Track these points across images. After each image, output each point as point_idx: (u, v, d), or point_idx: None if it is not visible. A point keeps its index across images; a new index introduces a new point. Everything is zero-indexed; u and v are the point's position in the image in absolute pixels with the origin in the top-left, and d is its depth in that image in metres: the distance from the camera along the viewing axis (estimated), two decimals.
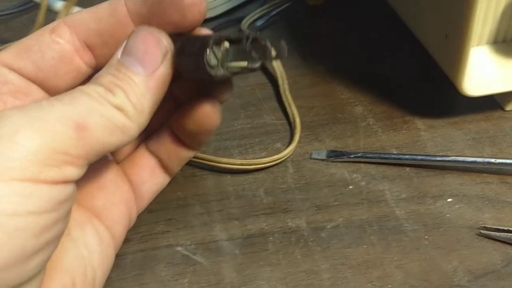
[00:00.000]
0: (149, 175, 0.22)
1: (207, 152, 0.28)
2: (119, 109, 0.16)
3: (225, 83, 0.21)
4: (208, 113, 0.21)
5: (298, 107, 0.31)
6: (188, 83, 0.22)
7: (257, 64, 0.18)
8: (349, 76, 0.33)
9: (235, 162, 0.27)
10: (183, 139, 0.22)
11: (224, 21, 0.40)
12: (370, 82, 0.32)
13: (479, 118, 0.29)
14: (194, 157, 0.27)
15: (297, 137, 0.29)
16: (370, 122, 0.29)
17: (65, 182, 0.15)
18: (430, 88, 0.31)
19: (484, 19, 0.26)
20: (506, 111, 0.29)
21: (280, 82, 0.33)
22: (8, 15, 0.43)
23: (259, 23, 0.39)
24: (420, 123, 0.29)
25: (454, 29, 0.26)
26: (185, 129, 0.21)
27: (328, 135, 0.29)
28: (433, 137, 0.28)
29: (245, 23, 0.39)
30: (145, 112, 0.17)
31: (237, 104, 0.32)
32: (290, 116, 0.30)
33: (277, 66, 0.33)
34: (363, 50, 0.35)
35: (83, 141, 0.15)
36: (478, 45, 0.27)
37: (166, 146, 0.22)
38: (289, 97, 0.31)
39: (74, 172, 0.15)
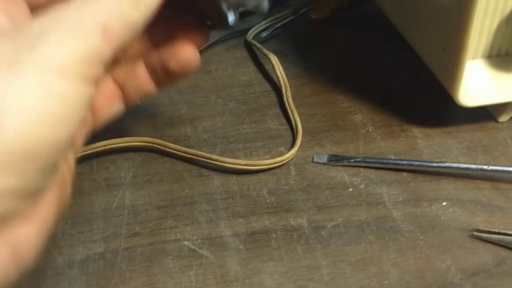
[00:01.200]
0: (109, 102, 0.23)
1: (214, 153, 0.29)
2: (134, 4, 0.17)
3: (216, 22, 0.22)
4: (192, 55, 0.22)
5: (300, 114, 0.32)
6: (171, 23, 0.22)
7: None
8: (349, 86, 0.34)
9: (240, 163, 0.28)
10: (155, 75, 0.23)
11: (230, 32, 0.41)
12: (370, 91, 0.34)
13: (473, 128, 0.30)
14: (201, 157, 0.28)
15: (298, 141, 0.30)
16: (370, 130, 0.31)
17: (96, 83, 0.16)
18: (427, 98, 0.32)
19: (479, 34, 0.28)
20: (499, 122, 0.31)
21: (283, 90, 0.34)
22: None
23: (263, 34, 0.40)
24: (417, 131, 0.30)
25: (451, 42, 0.27)
26: (165, 68, 0.22)
27: (329, 141, 0.30)
28: (430, 144, 0.29)
29: (250, 34, 0.40)
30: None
31: (243, 110, 0.33)
32: (293, 122, 0.32)
33: (280, 75, 0.35)
34: (363, 61, 0.37)
35: (109, 43, 0.16)
36: (473, 58, 0.29)
37: (134, 78, 0.23)
38: (291, 104, 0.33)
39: (103, 73, 0.16)
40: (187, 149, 0.29)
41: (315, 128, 0.31)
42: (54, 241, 0.25)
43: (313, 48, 0.39)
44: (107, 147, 0.29)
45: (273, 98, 0.35)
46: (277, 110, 0.33)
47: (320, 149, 0.30)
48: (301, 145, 0.30)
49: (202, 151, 0.30)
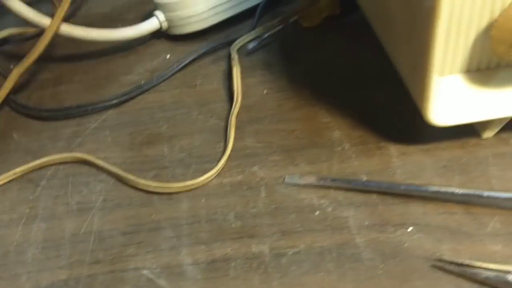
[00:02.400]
0: None
1: (187, 174, 0.29)
2: None
3: None
4: None
5: (280, 131, 0.32)
6: None
7: None
8: (332, 100, 0.34)
9: (151, 185, 0.28)
10: None
11: (216, 44, 0.41)
12: (352, 106, 0.33)
13: (454, 145, 0.29)
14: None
15: (220, 164, 0.30)
16: (346, 147, 0.30)
17: None
18: (408, 114, 0.31)
19: (454, 49, 0.27)
20: (483, 139, 0.29)
21: (233, 104, 0.34)
22: None
23: (250, 45, 0.40)
24: (393, 149, 0.29)
25: (419, 60, 0.26)
26: None
27: (303, 159, 0.30)
28: (404, 164, 0.28)
29: (235, 45, 0.40)
30: None
31: (222, 126, 0.33)
32: (227, 142, 0.31)
33: (236, 90, 0.35)
34: (348, 75, 0.36)
35: None
36: (450, 73, 0.28)
37: None
38: (233, 121, 0.33)
39: None
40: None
41: (292, 146, 0.31)
42: (24, 266, 0.26)
43: (301, 59, 0.39)
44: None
45: (254, 114, 0.34)
46: (257, 126, 0.33)
47: (294, 168, 0.29)
48: (275, 165, 0.30)
49: (176, 172, 0.30)
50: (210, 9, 0.41)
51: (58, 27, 0.37)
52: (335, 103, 0.33)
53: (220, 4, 0.42)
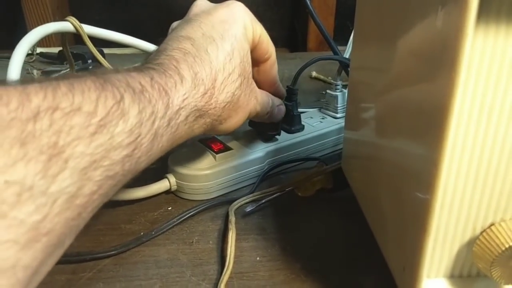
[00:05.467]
0: None
1: None
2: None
3: None
4: None
5: None
6: None
7: None
8: (321, 279, 0.35)
9: None
10: None
11: (216, 202, 0.44)
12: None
13: None
14: None
15: None
16: None
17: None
18: None
19: (440, 255, 0.29)
20: None
21: (224, 270, 0.35)
22: None
23: (248, 208, 0.42)
24: None
25: (409, 261, 0.28)
26: None
27: None
28: None
29: (234, 206, 0.43)
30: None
31: None
32: None
33: (229, 255, 0.36)
34: (338, 254, 0.37)
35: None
36: (435, 277, 0.30)
37: None
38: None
39: None
40: None
41: None
42: None
43: (294, 229, 0.41)
44: None
45: (246, 281, 0.35)
46: None
47: None
48: None
49: None
50: (217, 184, 0.45)
51: None
52: (324, 282, 0.35)
53: (228, 181, 0.46)
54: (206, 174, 0.44)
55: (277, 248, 0.38)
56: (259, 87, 0.44)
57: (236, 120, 0.38)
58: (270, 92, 0.45)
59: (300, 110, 0.54)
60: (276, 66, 0.44)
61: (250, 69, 0.38)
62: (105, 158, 0.23)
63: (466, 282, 0.30)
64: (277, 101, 0.46)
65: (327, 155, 0.54)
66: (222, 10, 0.38)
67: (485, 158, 0.26)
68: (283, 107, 0.47)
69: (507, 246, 0.26)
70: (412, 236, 0.27)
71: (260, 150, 0.48)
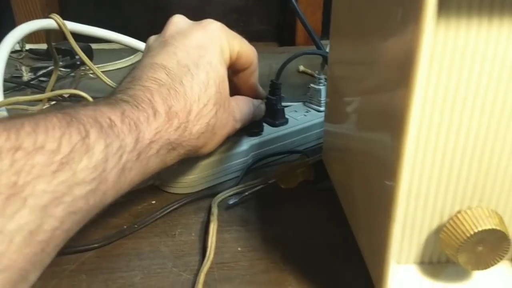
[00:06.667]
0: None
1: None
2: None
3: None
4: None
5: None
6: None
7: None
8: (301, 266, 0.36)
9: None
10: None
11: (199, 195, 0.44)
12: (319, 277, 0.35)
13: None
14: None
15: None
16: None
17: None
18: None
19: (409, 241, 0.30)
20: None
21: (205, 261, 0.36)
22: None
23: (231, 201, 0.43)
24: None
25: (378, 247, 0.29)
26: None
27: None
28: None
29: (217, 199, 0.43)
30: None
31: (192, 282, 0.35)
32: None
33: (210, 246, 0.37)
34: (322, 244, 0.38)
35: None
36: (406, 263, 0.31)
37: None
38: (201, 279, 0.34)
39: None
40: None
41: None
42: None
43: (276, 220, 0.42)
44: None
45: (227, 271, 0.36)
46: (228, 286, 0.35)
47: None
48: None
49: None
50: (201, 178, 0.46)
51: None
52: (303, 270, 0.36)
53: (212, 174, 0.46)
54: (191, 168, 0.45)
55: (259, 238, 0.39)
56: (238, 91, 0.45)
57: (213, 144, 0.39)
58: (249, 95, 0.46)
59: (284, 104, 0.55)
60: (256, 73, 0.45)
61: (227, 93, 0.38)
62: (67, 194, 0.24)
63: (436, 268, 0.31)
64: (257, 101, 0.47)
65: (311, 148, 0.54)
66: (198, 33, 0.37)
67: (449, 148, 0.27)
68: (263, 106, 0.49)
69: (472, 232, 0.27)
70: (380, 223, 0.28)
71: (244, 144, 0.49)
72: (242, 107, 0.42)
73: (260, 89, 0.48)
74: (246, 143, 0.49)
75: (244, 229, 0.41)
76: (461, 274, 0.30)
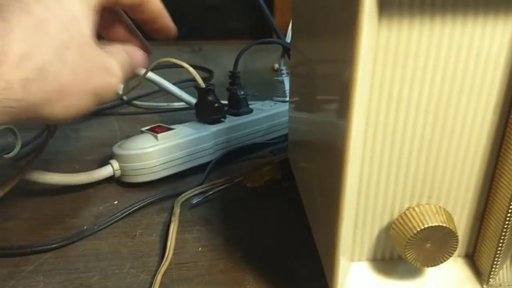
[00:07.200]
0: None
1: None
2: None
3: None
4: None
5: None
6: None
7: None
8: (260, 266, 0.36)
9: None
10: None
11: (162, 195, 0.44)
12: (279, 276, 0.35)
13: None
14: None
15: None
16: None
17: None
18: None
19: (362, 238, 0.30)
20: None
21: (163, 262, 0.35)
22: None
23: (194, 200, 0.43)
24: None
25: (329, 246, 0.29)
26: None
27: None
28: None
29: (181, 198, 0.43)
30: None
31: (149, 282, 0.34)
32: None
33: (169, 246, 0.37)
34: (284, 243, 0.38)
35: None
36: (359, 260, 0.31)
37: None
38: (158, 279, 0.34)
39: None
40: None
41: None
42: None
43: (239, 219, 0.42)
44: None
45: (185, 272, 0.36)
46: (185, 287, 0.35)
47: None
48: None
49: None
50: (161, 163, 0.45)
51: None
52: (263, 270, 0.36)
53: (172, 160, 0.46)
54: (148, 153, 0.44)
55: (221, 238, 0.39)
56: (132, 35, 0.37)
57: (67, 103, 0.29)
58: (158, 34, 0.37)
59: (251, 102, 0.55)
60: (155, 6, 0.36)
61: (85, 36, 0.30)
62: None
63: (389, 265, 0.31)
64: (131, 48, 0.36)
65: (279, 145, 0.54)
66: None
67: (396, 145, 0.27)
68: (139, 53, 0.37)
69: (418, 229, 0.27)
70: (331, 221, 0.28)
71: (204, 130, 0.49)
72: (117, 56, 0.33)
73: (166, 22, 0.37)
74: (207, 129, 0.49)
75: (206, 228, 0.41)
76: (414, 270, 0.30)
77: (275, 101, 0.59)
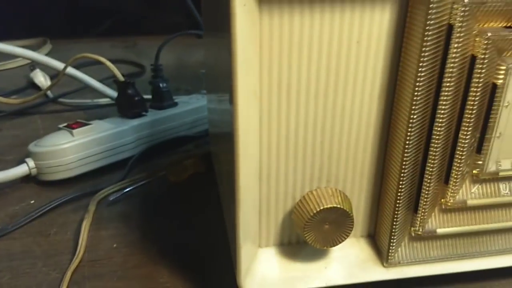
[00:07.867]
0: None
1: None
2: None
3: None
4: None
5: None
6: None
7: None
8: (175, 260, 0.36)
9: None
10: None
11: (79, 193, 0.43)
12: (192, 268, 0.35)
13: None
14: None
15: None
16: None
17: None
18: None
19: (267, 224, 0.31)
20: None
21: (74, 257, 0.35)
22: None
23: (112, 197, 0.42)
24: None
25: (233, 232, 0.30)
26: None
27: None
28: None
29: (98, 196, 0.42)
30: None
31: (60, 279, 0.34)
32: None
33: (80, 243, 0.36)
34: (202, 238, 0.38)
35: None
36: (266, 246, 0.32)
37: None
38: (66, 279, 0.33)
39: None
40: None
41: None
42: None
43: (158, 214, 0.41)
44: None
45: (98, 268, 0.35)
46: (96, 283, 0.34)
47: None
48: None
49: None
50: (78, 160, 0.44)
51: None
52: (177, 263, 0.36)
53: (89, 156, 0.45)
54: (63, 149, 0.43)
55: (137, 234, 0.39)
56: None
57: None
58: None
59: (181, 96, 0.55)
60: None
61: None
62: None
63: (295, 249, 0.32)
64: None
65: (204, 138, 0.54)
66: None
67: (292, 132, 0.28)
68: None
69: (315, 211, 0.28)
70: (233, 207, 0.29)
71: (124, 124, 0.48)
72: None
73: None
74: (126, 124, 0.48)
75: (123, 225, 0.40)
76: (318, 252, 0.31)
77: (204, 94, 0.59)
